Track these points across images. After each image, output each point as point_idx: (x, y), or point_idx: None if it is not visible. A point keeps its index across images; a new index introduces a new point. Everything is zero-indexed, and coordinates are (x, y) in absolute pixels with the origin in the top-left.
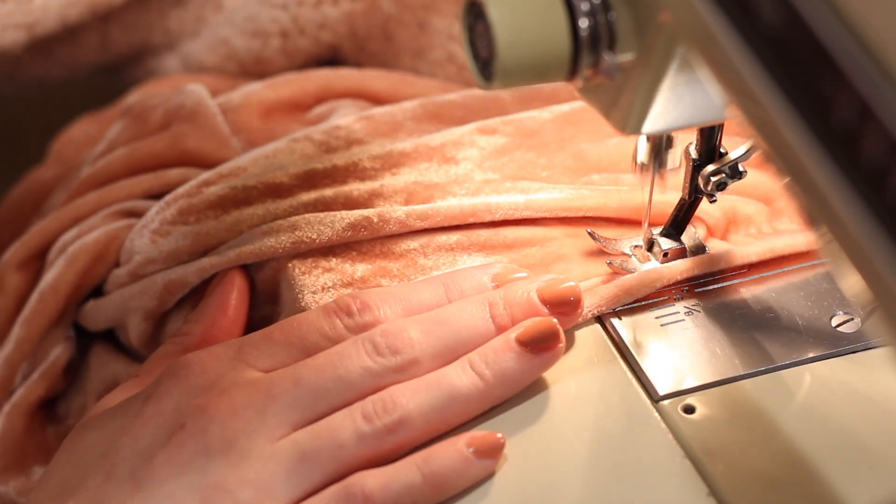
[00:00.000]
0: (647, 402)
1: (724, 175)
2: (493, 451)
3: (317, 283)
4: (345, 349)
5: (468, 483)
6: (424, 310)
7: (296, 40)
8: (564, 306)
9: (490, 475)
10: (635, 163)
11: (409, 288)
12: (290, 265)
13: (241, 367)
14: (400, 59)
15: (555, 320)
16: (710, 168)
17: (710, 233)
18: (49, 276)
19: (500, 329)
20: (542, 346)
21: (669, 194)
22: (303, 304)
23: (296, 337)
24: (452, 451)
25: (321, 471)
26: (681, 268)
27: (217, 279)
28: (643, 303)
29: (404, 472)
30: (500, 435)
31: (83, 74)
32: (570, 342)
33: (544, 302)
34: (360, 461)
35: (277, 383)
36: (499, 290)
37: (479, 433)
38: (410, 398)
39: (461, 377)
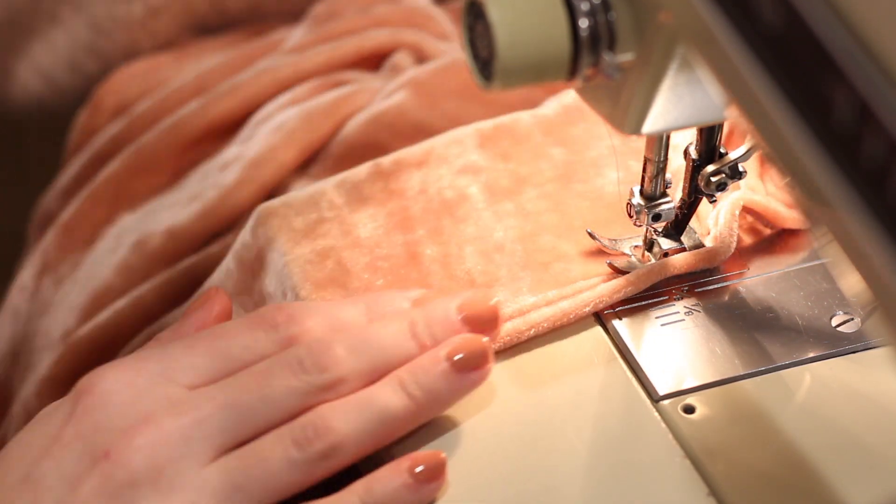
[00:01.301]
0: (647, 402)
1: (724, 175)
2: (436, 473)
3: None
4: (271, 367)
5: None
6: (347, 327)
7: None
8: (483, 325)
9: (434, 500)
10: (630, 206)
11: (333, 305)
12: (277, 230)
13: (163, 384)
14: None
15: (486, 339)
16: (710, 168)
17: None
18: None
19: (423, 348)
20: (471, 365)
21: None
22: (294, 279)
23: (218, 348)
24: (395, 478)
25: (253, 499)
26: (680, 261)
27: (199, 300)
28: (643, 303)
29: (346, 502)
30: (442, 455)
31: None
32: (571, 342)
33: (464, 321)
34: (292, 487)
35: (202, 405)
36: (419, 309)
37: (420, 455)
38: (342, 421)
39: (391, 398)
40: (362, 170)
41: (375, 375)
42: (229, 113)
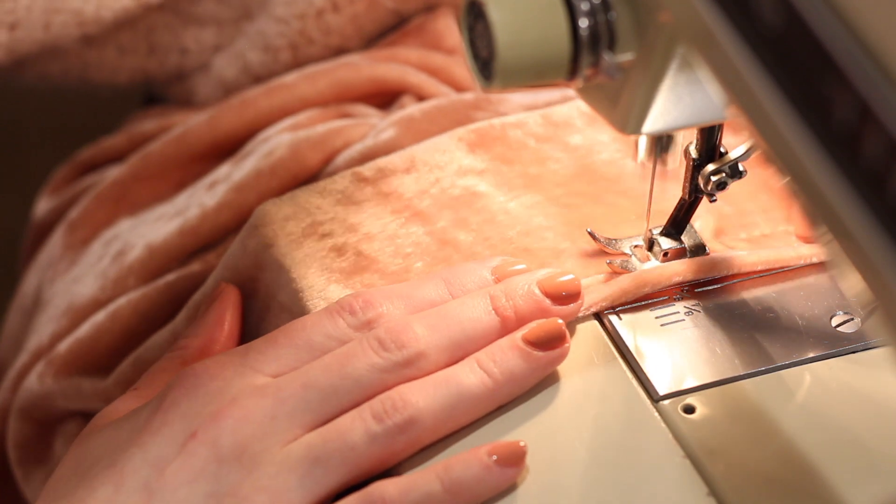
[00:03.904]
0: (647, 401)
1: (724, 175)
2: (515, 460)
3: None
4: (351, 348)
5: (490, 492)
6: (428, 306)
7: (305, 50)
8: (565, 298)
9: (513, 485)
10: (637, 161)
11: (411, 285)
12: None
13: (249, 374)
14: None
15: (560, 321)
16: (710, 168)
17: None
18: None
19: (504, 321)
20: (548, 345)
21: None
22: (297, 282)
23: (300, 339)
24: (474, 461)
25: (334, 474)
26: (678, 269)
27: (212, 296)
28: (643, 303)
29: (424, 480)
30: (522, 443)
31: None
32: (571, 342)
33: (545, 294)
34: (371, 462)
35: (286, 387)
36: (500, 284)
37: (501, 442)
38: (420, 397)
39: (469, 376)
40: (342, 178)
41: (458, 352)
42: (236, 129)
